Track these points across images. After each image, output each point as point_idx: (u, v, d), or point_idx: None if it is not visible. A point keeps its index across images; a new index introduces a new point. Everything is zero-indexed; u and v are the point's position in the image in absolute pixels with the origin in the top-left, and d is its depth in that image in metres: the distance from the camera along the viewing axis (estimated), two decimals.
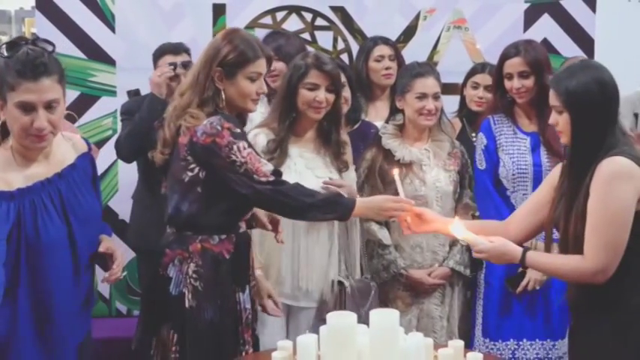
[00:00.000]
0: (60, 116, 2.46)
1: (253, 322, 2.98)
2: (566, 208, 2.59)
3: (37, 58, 2.40)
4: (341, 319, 2.35)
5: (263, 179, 2.75)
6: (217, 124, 2.76)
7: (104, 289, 4.95)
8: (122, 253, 2.70)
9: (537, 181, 3.52)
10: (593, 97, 2.53)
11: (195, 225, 2.85)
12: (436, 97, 3.57)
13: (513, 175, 3.63)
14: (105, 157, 4.67)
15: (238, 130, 2.80)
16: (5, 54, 2.42)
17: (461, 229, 2.73)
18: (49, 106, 2.41)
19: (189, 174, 2.80)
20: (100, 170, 4.65)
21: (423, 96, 3.55)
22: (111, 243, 2.66)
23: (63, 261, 2.49)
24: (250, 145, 2.81)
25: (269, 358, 2.47)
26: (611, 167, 2.49)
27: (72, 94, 4.80)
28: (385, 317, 2.35)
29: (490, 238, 2.67)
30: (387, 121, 3.70)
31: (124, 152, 4.09)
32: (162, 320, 2.84)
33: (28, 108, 2.39)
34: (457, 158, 3.67)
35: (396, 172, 2.97)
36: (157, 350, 2.85)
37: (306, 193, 2.82)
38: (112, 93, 4.87)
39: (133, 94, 4.81)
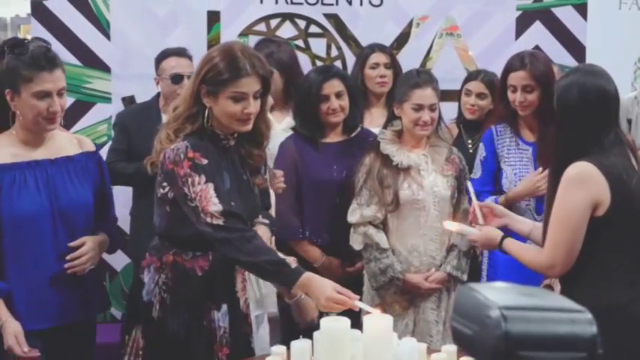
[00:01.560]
0: (65, 101, 2.80)
1: (248, 337, 2.90)
2: (546, 206, 2.69)
3: (48, 52, 2.74)
4: (335, 324, 2.33)
5: (207, 219, 2.59)
6: (181, 152, 2.64)
7: None
8: (93, 248, 2.83)
9: None
10: (570, 100, 2.58)
11: (169, 237, 2.79)
12: (433, 108, 3.55)
13: (515, 186, 3.61)
14: None
15: (203, 162, 2.65)
16: (11, 52, 2.71)
17: (453, 223, 3.09)
18: (60, 93, 2.75)
19: (161, 191, 2.73)
20: None
21: (419, 107, 3.53)
22: (88, 239, 2.82)
23: (44, 238, 2.74)
24: (213, 180, 2.64)
25: None
26: (571, 171, 2.55)
27: (67, 101, 4.84)
28: (379, 322, 2.33)
29: (480, 227, 2.96)
30: (385, 127, 3.70)
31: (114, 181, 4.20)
32: (135, 322, 2.82)
33: (44, 96, 2.72)
34: (454, 164, 3.64)
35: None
36: (129, 349, 2.81)
37: (248, 251, 2.58)
38: (107, 100, 4.87)
39: (128, 101, 4.82)
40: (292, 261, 2.60)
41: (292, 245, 3.66)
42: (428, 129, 3.56)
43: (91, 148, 2.94)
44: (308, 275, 2.57)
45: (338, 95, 3.70)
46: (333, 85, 3.69)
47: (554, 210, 2.58)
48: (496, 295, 1.09)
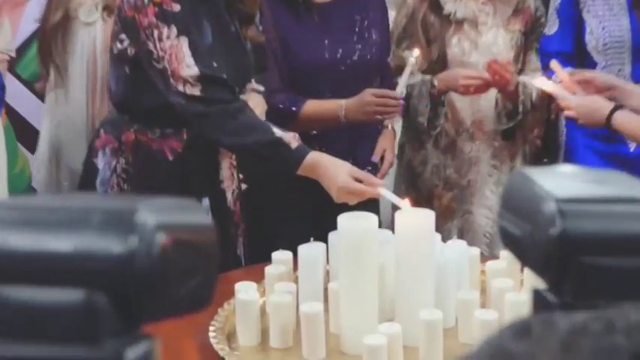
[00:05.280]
0: None
1: (235, 241, 2.87)
2: None
3: None
4: (357, 223, 2.22)
5: (179, 87, 2.52)
6: None
7: None
8: None
9: (637, 51, 3.37)
10: None
11: (130, 109, 2.71)
12: None
13: (605, 44, 3.41)
14: None
15: (175, 8, 2.54)
16: None
17: (546, 81, 2.95)
18: None
19: (118, 45, 2.64)
20: None
21: None
22: None
23: None
24: (187, 32, 2.54)
25: (262, 274, 2.42)
26: None
27: None
28: (415, 219, 2.27)
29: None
30: None
31: None
32: None
33: None
34: (526, 15, 3.41)
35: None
36: None
37: (233, 129, 2.54)
38: None
39: None
40: (293, 138, 2.54)
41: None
42: None
43: None
44: (315, 156, 2.53)
45: None
46: None
47: None
48: (556, 183, 1.00)
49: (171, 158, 2.70)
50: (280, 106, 3.10)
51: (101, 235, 0.76)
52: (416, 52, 3.01)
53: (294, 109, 3.09)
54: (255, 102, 2.78)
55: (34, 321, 0.76)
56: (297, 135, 2.58)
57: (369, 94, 2.97)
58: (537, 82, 3.02)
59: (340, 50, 3.15)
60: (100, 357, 0.74)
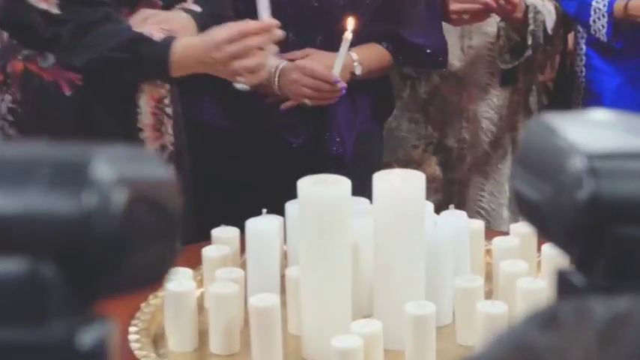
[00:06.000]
0: None
1: None
2: None
3: None
4: (323, 188, 2.12)
5: (32, 1, 2.42)
6: None
7: None
8: None
9: None
10: None
11: (14, 31, 2.60)
12: None
13: None
14: None
15: None
16: None
17: None
18: None
19: None
20: None
21: None
22: None
23: None
24: None
25: (199, 257, 2.33)
26: None
27: None
28: (400, 183, 2.19)
29: None
30: None
31: None
32: None
33: None
34: None
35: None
36: None
37: (86, 44, 2.42)
38: None
39: None
40: (156, 30, 2.42)
41: None
42: None
43: None
44: (184, 40, 2.42)
45: None
46: None
47: None
48: (584, 133, 0.98)
49: (68, 93, 2.55)
50: None
51: (49, 192, 0.77)
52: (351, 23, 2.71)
53: None
54: (174, 18, 2.58)
55: None
56: (165, 29, 2.48)
57: (295, 71, 2.73)
58: None
59: None
60: (47, 340, 0.73)
